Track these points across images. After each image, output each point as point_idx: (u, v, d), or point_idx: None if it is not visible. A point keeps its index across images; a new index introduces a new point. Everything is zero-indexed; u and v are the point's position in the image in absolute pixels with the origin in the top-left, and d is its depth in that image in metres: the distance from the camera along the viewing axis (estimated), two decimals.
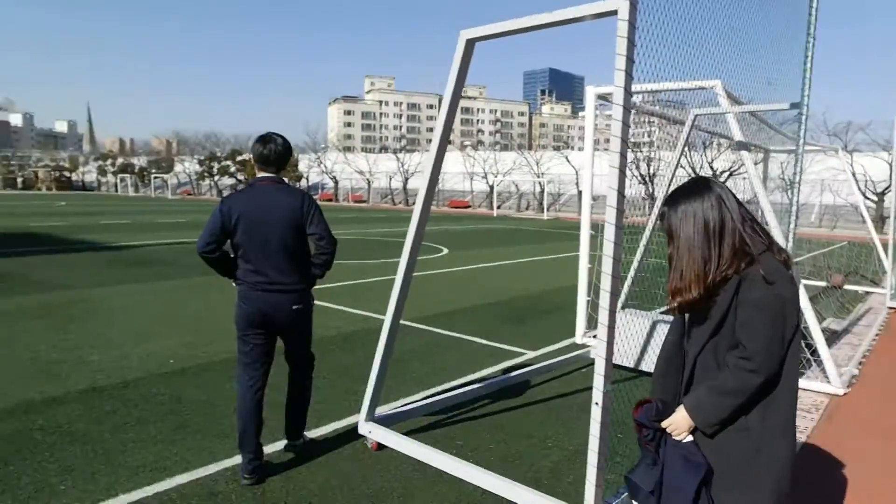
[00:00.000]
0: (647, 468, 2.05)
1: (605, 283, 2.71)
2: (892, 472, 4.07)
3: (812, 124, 43.27)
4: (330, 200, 65.08)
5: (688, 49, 4.32)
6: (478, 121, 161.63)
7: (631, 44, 2.80)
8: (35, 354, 5.96)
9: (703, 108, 6.22)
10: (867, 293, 11.54)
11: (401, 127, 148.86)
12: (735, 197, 1.96)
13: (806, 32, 5.24)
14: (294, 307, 3.64)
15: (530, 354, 6.47)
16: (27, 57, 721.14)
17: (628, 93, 2.79)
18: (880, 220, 30.68)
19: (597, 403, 2.79)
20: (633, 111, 6.59)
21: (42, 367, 5.57)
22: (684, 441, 1.98)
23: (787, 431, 1.90)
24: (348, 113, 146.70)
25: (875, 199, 35.20)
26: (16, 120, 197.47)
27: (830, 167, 28.51)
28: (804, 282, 11.03)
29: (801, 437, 4.53)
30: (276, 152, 3.65)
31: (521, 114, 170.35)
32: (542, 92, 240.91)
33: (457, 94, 3.78)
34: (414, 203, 3.98)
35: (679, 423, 1.97)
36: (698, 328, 1.99)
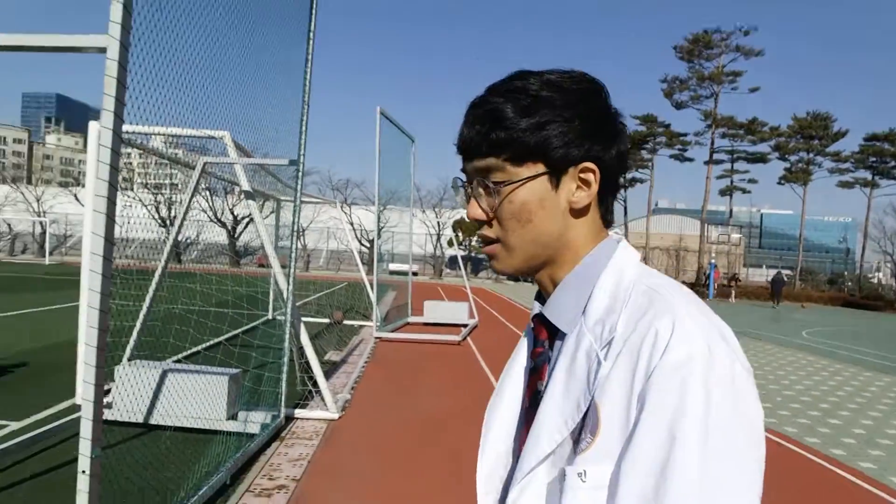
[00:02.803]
0: None
1: (91, 337, 2.50)
2: (382, 482, 4.76)
3: (319, 178, 48.30)
4: None
5: (201, 96, 4.40)
6: None
7: (122, 85, 2.69)
8: None
9: (211, 157, 6.38)
10: (361, 326, 13.44)
11: None
12: None
13: (301, 100, 5.92)
14: None
15: (14, 425, 5.47)
16: None
17: (118, 135, 2.67)
18: (372, 264, 36.19)
19: (84, 472, 2.52)
20: (149, 154, 6.36)
21: None
22: None
23: None
24: None
25: (368, 245, 41.38)
26: None
27: (333, 217, 32.54)
28: (309, 319, 12.20)
29: (303, 463, 4.94)
30: None
31: (19, 141, 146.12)
32: (48, 119, 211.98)
33: None
34: None
35: None
36: None
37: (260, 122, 6.03)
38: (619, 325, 0.79)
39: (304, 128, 5.74)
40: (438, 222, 47.20)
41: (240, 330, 11.33)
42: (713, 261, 39.70)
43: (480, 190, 0.89)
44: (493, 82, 0.89)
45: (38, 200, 47.41)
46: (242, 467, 4.75)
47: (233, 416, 5.56)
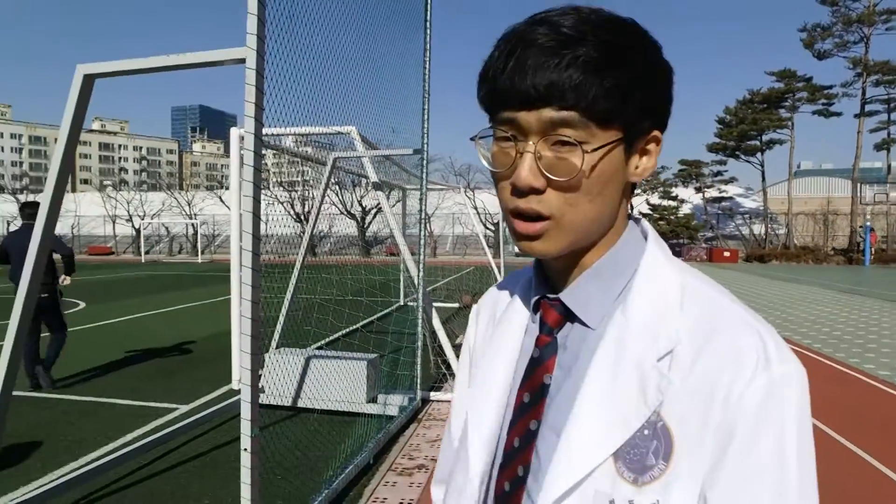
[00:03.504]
0: None
1: (245, 326, 2.71)
2: None
3: (441, 165, 48.96)
4: None
5: (328, 95, 4.62)
6: (120, 158, 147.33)
7: (260, 92, 2.87)
8: None
9: (341, 152, 6.67)
10: None
11: (21, 163, 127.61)
12: None
13: (422, 90, 6.03)
14: None
15: (183, 409, 6.07)
16: None
17: (259, 139, 2.86)
18: (497, 247, 36.35)
19: (245, 449, 2.75)
20: (282, 153, 6.76)
21: None
22: None
23: None
24: None
25: (494, 228, 41.54)
26: None
27: (458, 202, 32.92)
28: (440, 304, 12.47)
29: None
30: None
31: (171, 151, 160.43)
32: (193, 129, 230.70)
33: (74, 134, 3.42)
34: None
35: None
36: None
37: (383, 114, 6.23)
38: (681, 335, 0.71)
39: (425, 116, 5.85)
40: None
41: (374, 317, 11.83)
42: (868, 223, 36.28)
43: (547, 150, 0.70)
44: (570, 11, 0.71)
45: (189, 204, 51.73)
46: (384, 448, 4.98)
47: (372, 399, 5.83)
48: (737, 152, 45.65)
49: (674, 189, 47.26)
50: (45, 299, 6.57)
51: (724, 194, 47.36)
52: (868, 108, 41.35)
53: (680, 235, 44.89)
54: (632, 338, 0.73)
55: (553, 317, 0.81)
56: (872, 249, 35.88)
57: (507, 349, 0.85)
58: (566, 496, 0.70)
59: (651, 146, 0.75)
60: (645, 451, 0.69)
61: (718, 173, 47.45)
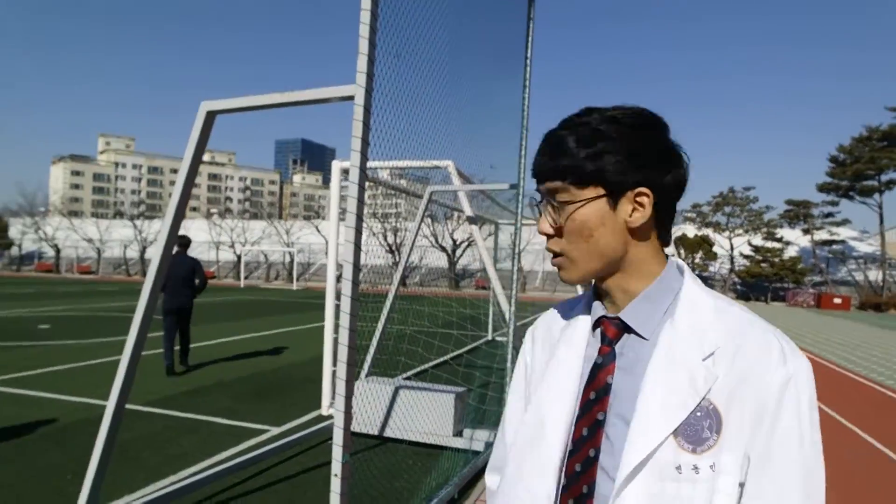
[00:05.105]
0: None
1: (342, 354, 2.78)
2: None
3: (534, 200, 49.39)
4: (49, 271, 57.23)
5: (427, 130, 4.73)
6: (226, 188, 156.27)
7: (366, 127, 2.98)
8: None
9: (437, 185, 6.78)
10: None
11: (140, 191, 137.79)
12: None
13: (520, 125, 6.07)
14: None
15: (274, 431, 6.25)
16: None
17: (363, 172, 2.96)
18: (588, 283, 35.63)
19: (336, 475, 2.79)
20: (378, 185, 6.98)
21: None
22: None
23: None
24: (77, 174, 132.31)
25: None
26: None
27: None
28: None
29: None
30: None
31: (273, 182, 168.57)
32: (294, 161, 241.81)
33: (194, 166, 3.65)
34: None
35: None
36: None
37: (480, 149, 6.30)
38: (719, 340, 0.95)
39: (523, 152, 5.87)
40: None
41: (463, 350, 11.82)
42: None
43: (549, 208, 1.04)
44: (565, 117, 1.04)
45: (287, 233, 53.96)
46: (468, 483, 4.92)
47: (459, 433, 5.79)
48: (851, 192, 43.04)
49: (779, 230, 44.98)
50: (187, 308, 8.99)
51: (835, 237, 44.59)
52: None
53: (784, 279, 42.53)
54: (679, 345, 0.97)
55: (612, 331, 1.05)
56: None
57: (571, 359, 1.08)
58: (641, 466, 0.92)
59: (641, 199, 0.99)
60: (700, 428, 0.92)
61: (829, 214, 44.85)
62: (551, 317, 1.21)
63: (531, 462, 1.05)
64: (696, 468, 0.90)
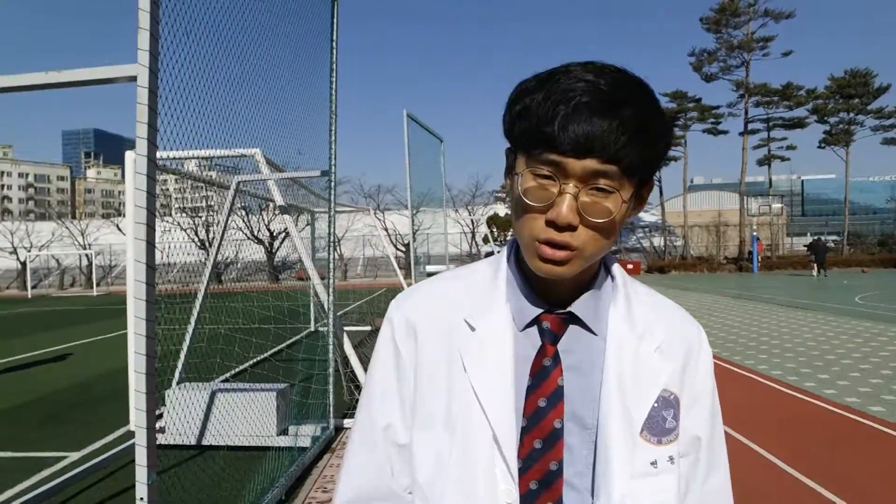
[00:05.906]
0: None
1: (139, 364, 2.51)
2: None
3: (350, 187, 48.54)
4: None
5: (230, 116, 4.42)
6: (4, 186, 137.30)
7: (153, 111, 2.70)
8: None
9: (246, 175, 6.44)
10: None
11: None
12: None
13: (329, 110, 5.92)
14: None
15: (74, 456, 5.59)
16: None
17: (152, 161, 2.68)
18: (409, 267, 36.32)
19: (141, 499, 2.53)
20: (185, 178, 6.45)
21: None
22: None
23: None
24: None
25: (404, 249, 41.48)
26: None
27: (368, 224, 32.67)
28: (352, 328, 12.27)
29: None
30: None
31: (62, 178, 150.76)
32: (87, 154, 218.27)
33: None
34: None
35: None
36: None
37: (289, 136, 6.07)
38: (660, 332, 0.95)
39: (333, 138, 5.74)
40: (472, 220, 47.03)
41: (284, 345, 11.47)
42: (755, 233, 38.78)
43: (585, 194, 0.80)
44: (607, 71, 0.81)
45: (82, 234, 48.72)
46: (296, 482, 4.77)
47: (283, 431, 5.59)
48: None
49: None
50: None
51: None
52: (750, 126, 44.49)
53: None
54: (630, 339, 0.92)
55: (558, 328, 0.92)
56: (759, 257, 38.32)
57: (502, 361, 0.90)
58: (619, 471, 0.87)
59: (646, 193, 0.90)
60: (662, 419, 0.91)
61: None
62: (436, 302, 0.97)
63: (467, 492, 0.87)
64: (671, 459, 0.91)
